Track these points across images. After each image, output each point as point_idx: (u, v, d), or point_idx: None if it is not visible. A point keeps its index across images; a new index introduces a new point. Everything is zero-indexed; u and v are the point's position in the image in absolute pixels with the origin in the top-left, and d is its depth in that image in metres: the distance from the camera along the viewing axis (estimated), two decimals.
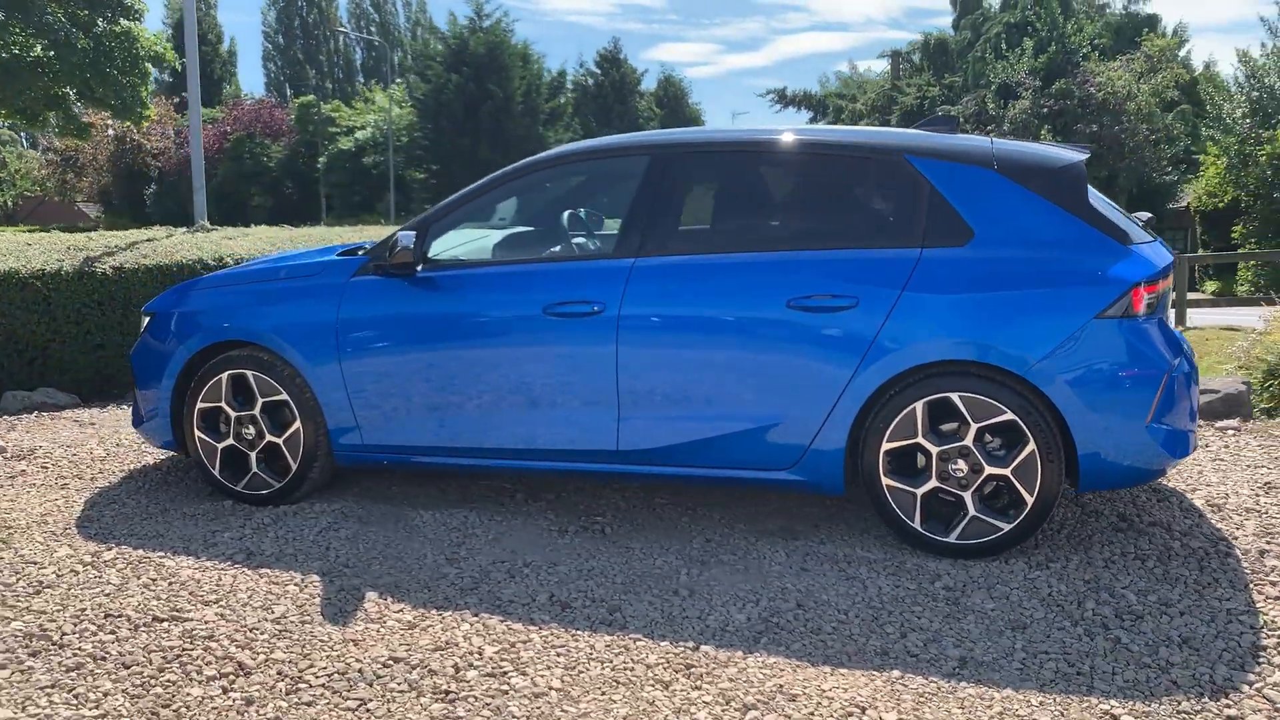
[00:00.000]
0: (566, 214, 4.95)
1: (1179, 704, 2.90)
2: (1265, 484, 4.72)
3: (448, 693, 2.97)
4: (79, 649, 3.24)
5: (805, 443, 3.94)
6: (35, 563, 3.95)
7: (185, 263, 7.79)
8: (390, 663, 3.15)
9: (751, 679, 3.05)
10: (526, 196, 4.90)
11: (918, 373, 3.80)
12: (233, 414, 4.58)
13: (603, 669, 3.12)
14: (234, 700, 2.95)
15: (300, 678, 3.07)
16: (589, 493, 4.73)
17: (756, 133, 4.35)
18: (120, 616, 3.47)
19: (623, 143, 4.44)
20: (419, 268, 4.33)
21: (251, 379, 4.53)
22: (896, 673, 3.09)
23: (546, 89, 40.50)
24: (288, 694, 2.98)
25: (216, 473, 4.66)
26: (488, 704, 2.91)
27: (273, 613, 3.50)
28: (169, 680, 3.05)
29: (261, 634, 3.35)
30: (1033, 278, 3.75)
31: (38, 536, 4.25)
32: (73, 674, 3.10)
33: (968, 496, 3.81)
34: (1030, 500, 3.75)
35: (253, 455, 4.59)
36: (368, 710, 2.89)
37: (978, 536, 3.82)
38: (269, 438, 4.55)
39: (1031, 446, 3.71)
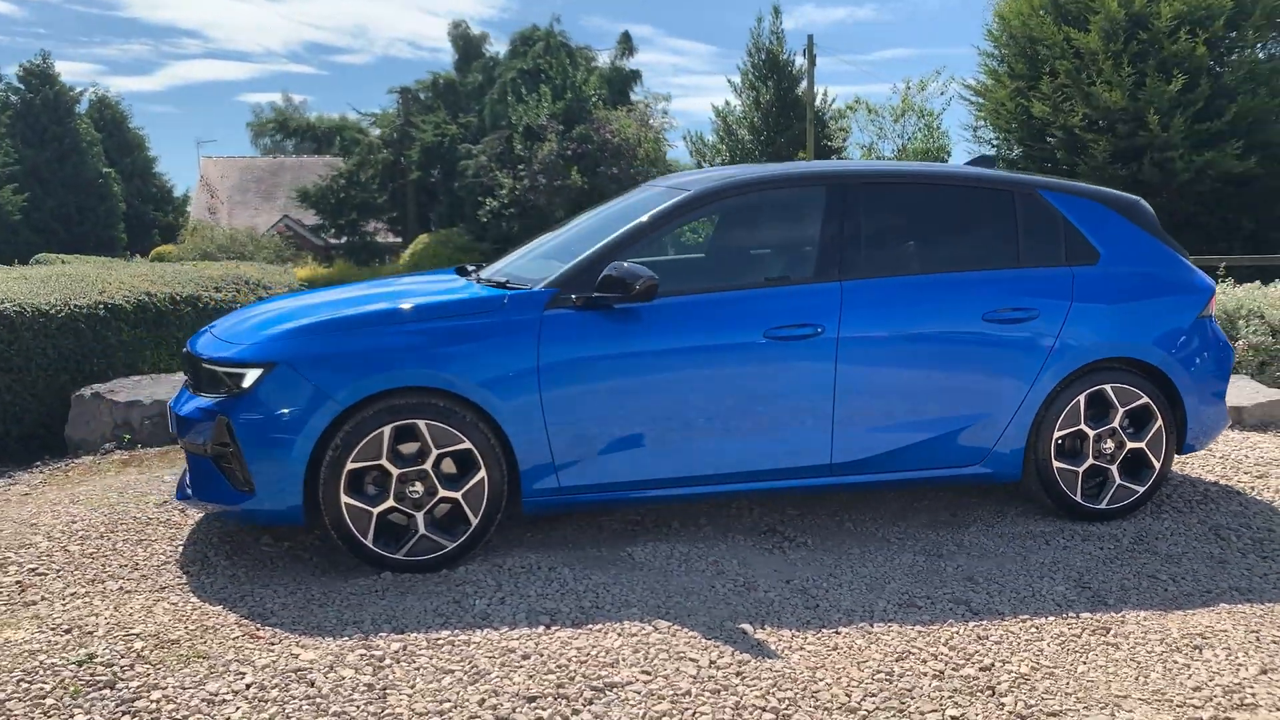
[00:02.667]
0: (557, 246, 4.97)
1: None
2: None
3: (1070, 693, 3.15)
4: None
5: (995, 438, 4.52)
6: (300, 669, 3.23)
7: None
8: (980, 674, 3.21)
9: (1159, 628, 3.59)
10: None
11: (1083, 370, 4.57)
12: (395, 471, 4.01)
13: (1100, 651, 3.46)
14: None
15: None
16: (713, 514, 4.82)
17: (918, 166, 4.86)
18: (558, 696, 3.06)
19: (798, 171, 4.68)
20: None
21: (425, 429, 4.01)
22: (1224, 605, 3.82)
23: None
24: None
25: (370, 542, 4.03)
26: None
27: (720, 661, 3.30)
28: None
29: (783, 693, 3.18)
30: (1152, 289, 4.72)
31: (241, 644, 3.43)
32: None
33: (1114, 469, 4.66)
34: (1158, 467, 4.70)
35: (419, 516, 4.05)
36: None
37: (1120, 500, 4.68)
38: (443, 493, 4.06)
39: (1159, 423, 4.66)
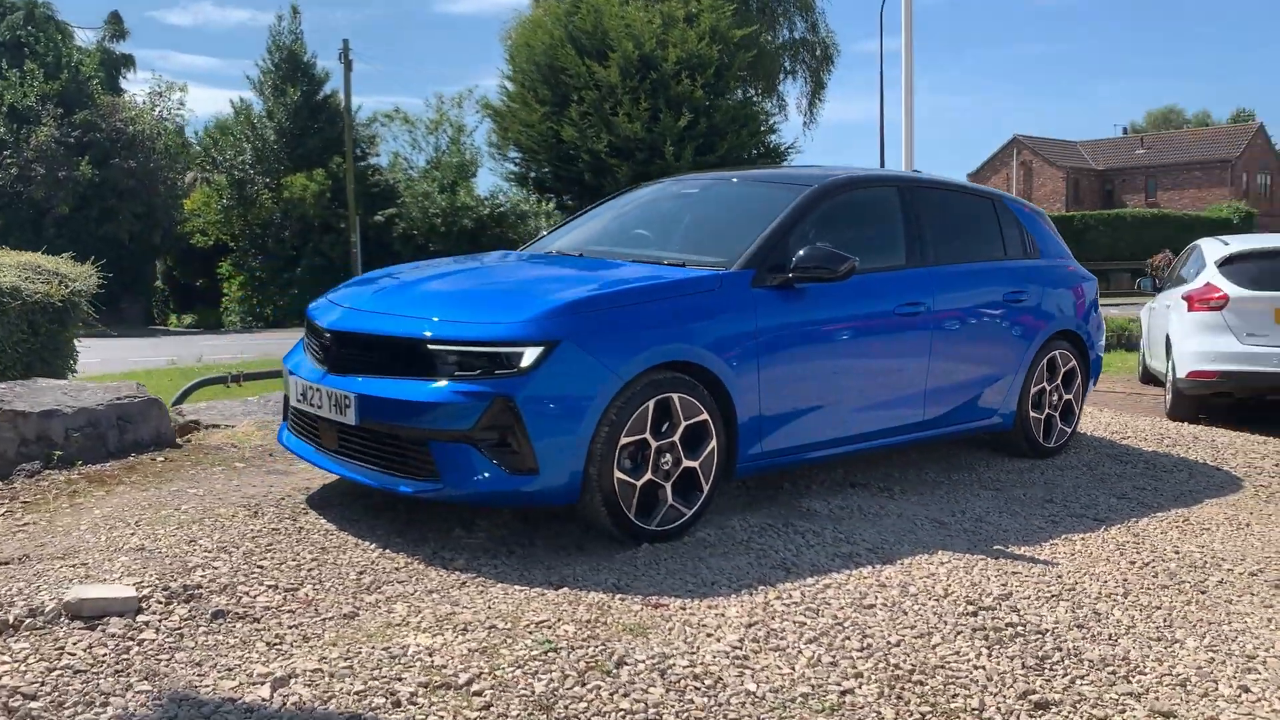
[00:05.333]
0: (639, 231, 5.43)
1: (1238, 492, 5.75)
2: None
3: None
4: None
5: (1004, 395, 5.68)
6: (752, 624, 3.42)
7: None
8: (1178, 554, 4.19)
9: (1208, 516, 4.97)
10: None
11: (1049, 340, 5.89)
12: (654, 444, 4.12)
13: (1203, 534, 4.67)
14: None
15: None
16: (797, 478, 5.41)
17: (943, 177, 5.81)
18: (983, 608, 3.60)
19: (879, 175, 5.43)
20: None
21: (677, 402, 4.17)
22: (1205, 500, 5.33)
23: None
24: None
25: (633, 515, 4.09)
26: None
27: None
28: None
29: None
30: (1073, 279, 6.20)
31: (658, 614, 3.46)
32: None
33: (1057, 415, 6.06)
34: (1078, 410, 6.20)
35: (668, 486, 4.20)
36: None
37: (1060, 440, 6.10)
38: (685, 463, 4.24)
39: (1079, 380, 6.16)
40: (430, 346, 3.93)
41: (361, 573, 3.73)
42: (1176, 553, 4.37)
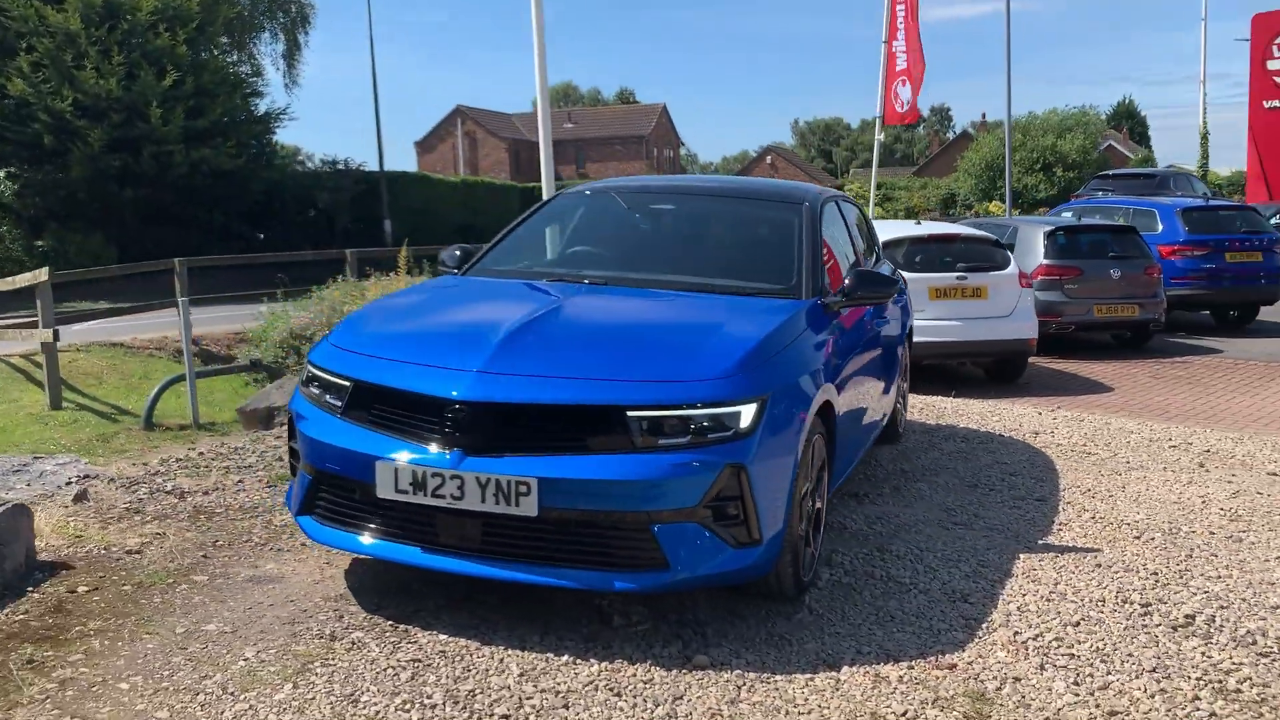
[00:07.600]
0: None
1: (1056, 458, 6.86)
2: None
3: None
4: None
5: (893, 393, 6.08)
6: (1016, 678, 3.49)
7: None
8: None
9: (1083, 491, 5.85)
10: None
11: (906, 338, 6.42)
12: (810, 490, 3.91)
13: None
14: None
15: None
16: None
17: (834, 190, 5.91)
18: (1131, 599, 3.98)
19: (825, 191, 5.38)
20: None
21: (818, 444, 3.98)
22: (1058, 475, 6.24)
23: None
24: None
25: (802, 570, 3.85)
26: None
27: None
28: None
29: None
30: (901, 279, 6.78)
31: (961, 673, 3.36)
32: None
33: (901, 406, 6.65)
34: (908, 398, 6.85)
35: (810, 533, 4.00)
36: None
37: (903, 426, 6.71)
38: (818, 505, 4.07)
39: (909, 369, 6.81)
40: (631, 414, 3.31)
41: (618, 695, 3.08)
42: (1141, 522, 5.09)
